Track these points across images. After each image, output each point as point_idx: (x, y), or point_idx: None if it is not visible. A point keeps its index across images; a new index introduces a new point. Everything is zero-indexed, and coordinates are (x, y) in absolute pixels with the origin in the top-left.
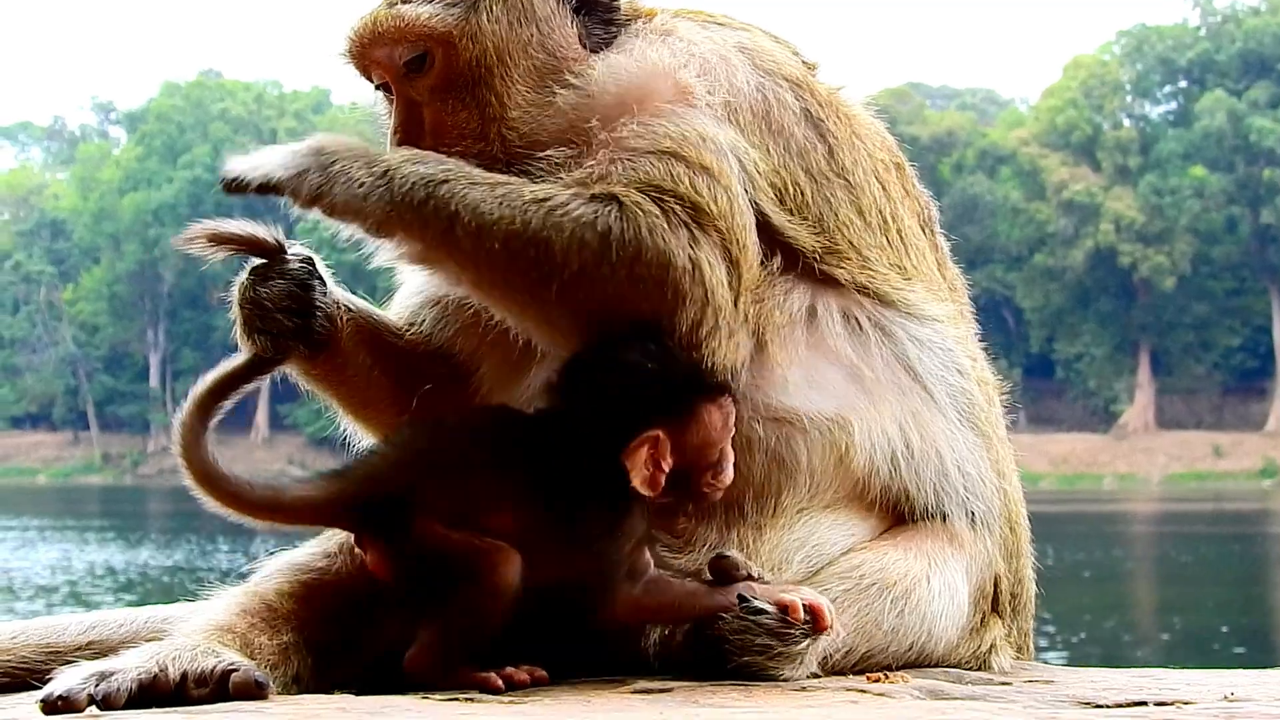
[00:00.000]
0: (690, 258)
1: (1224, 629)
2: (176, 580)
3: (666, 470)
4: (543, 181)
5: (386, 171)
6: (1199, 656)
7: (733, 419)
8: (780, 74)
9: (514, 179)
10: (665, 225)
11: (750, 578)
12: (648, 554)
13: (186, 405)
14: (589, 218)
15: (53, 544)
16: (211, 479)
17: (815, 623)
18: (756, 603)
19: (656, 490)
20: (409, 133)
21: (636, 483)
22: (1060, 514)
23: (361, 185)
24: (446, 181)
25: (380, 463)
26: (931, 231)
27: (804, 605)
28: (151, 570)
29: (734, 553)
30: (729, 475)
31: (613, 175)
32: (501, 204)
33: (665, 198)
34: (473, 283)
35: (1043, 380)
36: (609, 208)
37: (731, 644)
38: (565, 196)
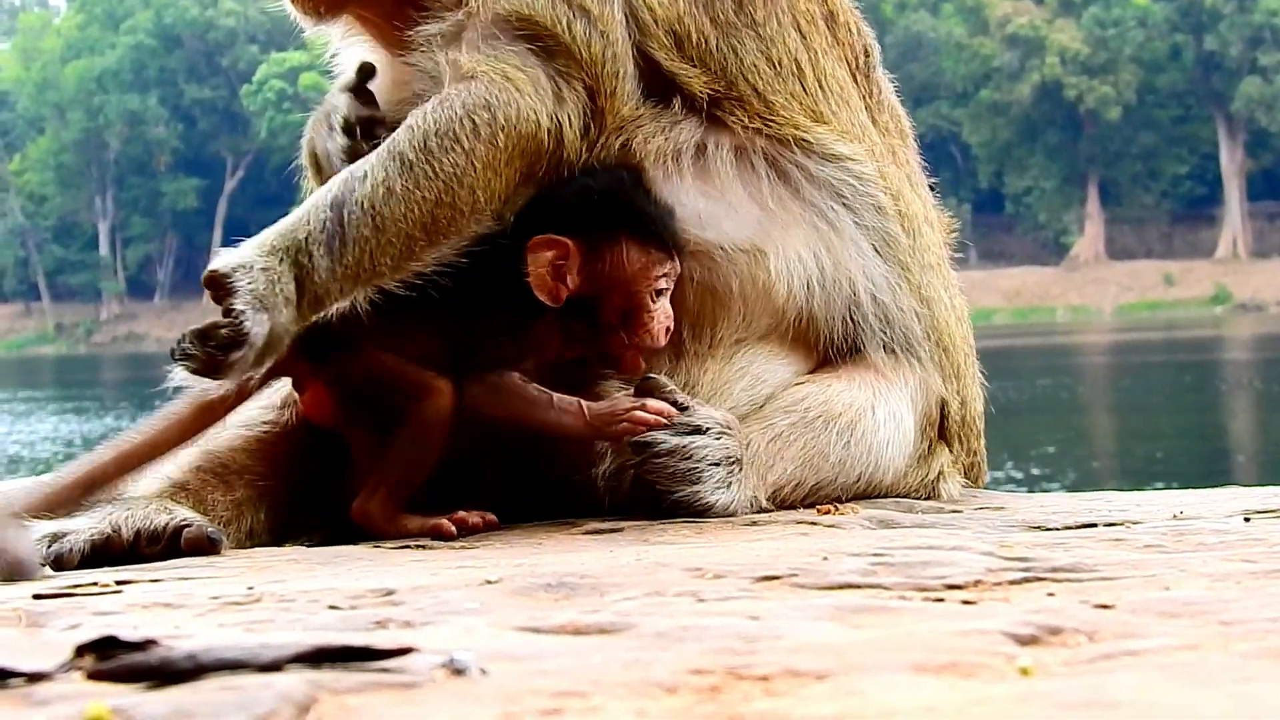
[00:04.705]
0: (552, 116)
1: (1177, 455)
2: None
3: (570, 288)
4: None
5: (296, 280)
6: (1152, 482)
7: (661, 273)
8: None
9: (386, 154)
10: (532, 88)
11: (676, 404)
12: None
13: None
14: (476, 107)
15: (31, 417)
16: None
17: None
18: (643, 438)
19: (556, 300)
20: None
21: (533, 283)
22: (1014, 348)
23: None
24: (351, 242)
25: None
26: (866, 77)
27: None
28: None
29: (661, 377)
30: (650, 336)
31: (482, 16)
32: (404, 193)
33: (539, 34)
34: (437, 259)
35: (992, 215)
36: (485, 87)
37: (659, 479)
38: (440, 111)
